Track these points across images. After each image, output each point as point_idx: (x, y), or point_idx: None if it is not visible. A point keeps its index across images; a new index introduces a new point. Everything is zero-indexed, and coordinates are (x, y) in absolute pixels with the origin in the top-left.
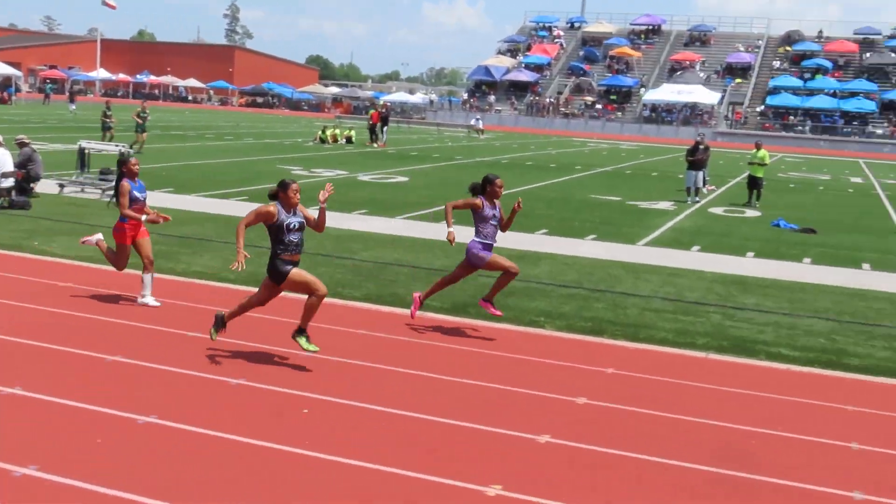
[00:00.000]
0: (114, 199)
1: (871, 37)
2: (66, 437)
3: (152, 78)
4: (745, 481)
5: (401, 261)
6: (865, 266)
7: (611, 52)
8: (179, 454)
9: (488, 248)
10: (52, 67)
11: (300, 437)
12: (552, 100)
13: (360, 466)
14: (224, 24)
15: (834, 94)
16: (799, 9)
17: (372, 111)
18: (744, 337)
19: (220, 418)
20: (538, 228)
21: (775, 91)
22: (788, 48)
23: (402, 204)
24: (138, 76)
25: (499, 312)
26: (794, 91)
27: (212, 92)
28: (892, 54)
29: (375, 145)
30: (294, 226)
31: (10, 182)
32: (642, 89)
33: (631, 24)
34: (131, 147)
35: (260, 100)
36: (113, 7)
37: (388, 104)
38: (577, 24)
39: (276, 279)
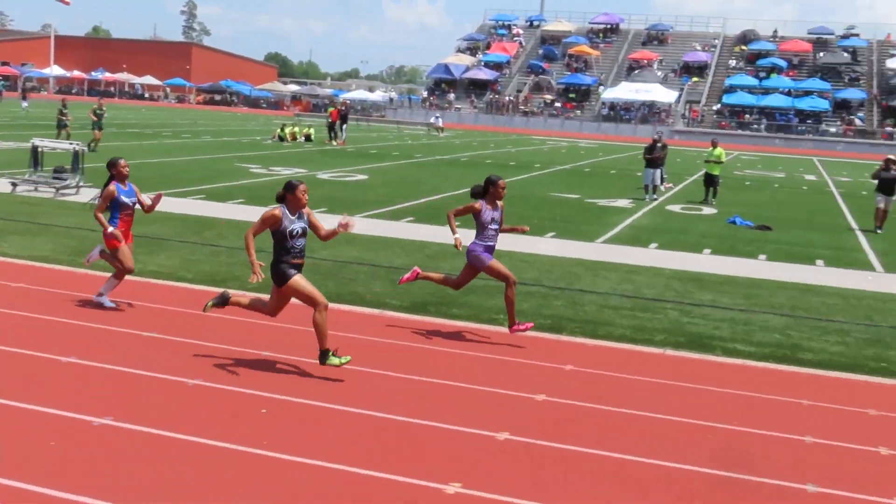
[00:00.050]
0: (95, 202)
1: (825, 37)
2: (19, 440)
3: (108, 75)
4: (702, 475)
5: (360, 259)
6: (819, 262)
7: (569, 51)
8: (136, 456)
9: (489, 250)
10: (4, 64)
11: (258, 437)
12: (511, 98)
13: (318, 466)
14: (181, 21)
15: (788, 93)
16: (754, 8)
17: (331, 109)
18: (700, 333)
19: (177, 419)
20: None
21: (731, 90)
22: (744, 47)
23: (362, 202)
24: (93, 73)
25: (529, 324)
26: (750, 90)
27: (168, 89)
28: (845, 54)
29: (335, 143)
30: (297, 232)
31: None
32: (601, 88)
33: (589, 23)
34: (89, 146)
35: (218, 97)
36: (67, 3)
37: (348, 102)
38: (536, 23)
39: (278, 282)
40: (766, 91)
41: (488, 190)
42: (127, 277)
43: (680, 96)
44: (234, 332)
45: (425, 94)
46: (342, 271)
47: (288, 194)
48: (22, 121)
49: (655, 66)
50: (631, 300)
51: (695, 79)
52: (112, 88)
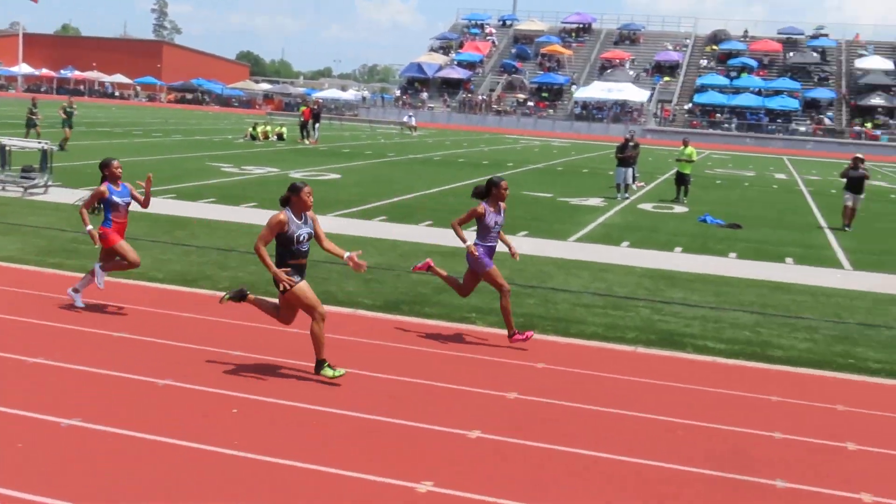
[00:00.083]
0: (97, 207)
1: (795, 37)
2: None
3: (77, 73)
4: (672, 471)
5: (333, 258)
6: (789, 260)
7: (542, 50)
8: (104, 457)
9: (490, 251)
10: None
11: (229, 437)
12: (484, 97)
13: (290, 465)
14: (152, 19)
15: (759, 93)
16: (725, 9)
17: (303, 108)
18: (671, 330)
19: (146, 419)
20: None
21: (702, 89)
22: (715, 47)
23: (334, 201)
24: (62, 71)
25: (530, 332)
26: (721, 89)
27: (139, 88)
28: (815, 54)
29: (307, 142)
30: (304, 237)
31: None
32: (573, 87)
33: (562, 23)
34: (61, 145)
35: (189, 96)
36: (35, 0)
37: (320, 101)
38: (508, 22)
39: (284, 289)
40: (737, 90)
41: (490, 191)
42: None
43: (652, 95)
44: (205, 333)
45: (398, 92)
46: (314, 270)
47: (293, 196)
48: None
49: (627, 65)
50: (603, 298)
51: (666, 78)
52: (82, 87)
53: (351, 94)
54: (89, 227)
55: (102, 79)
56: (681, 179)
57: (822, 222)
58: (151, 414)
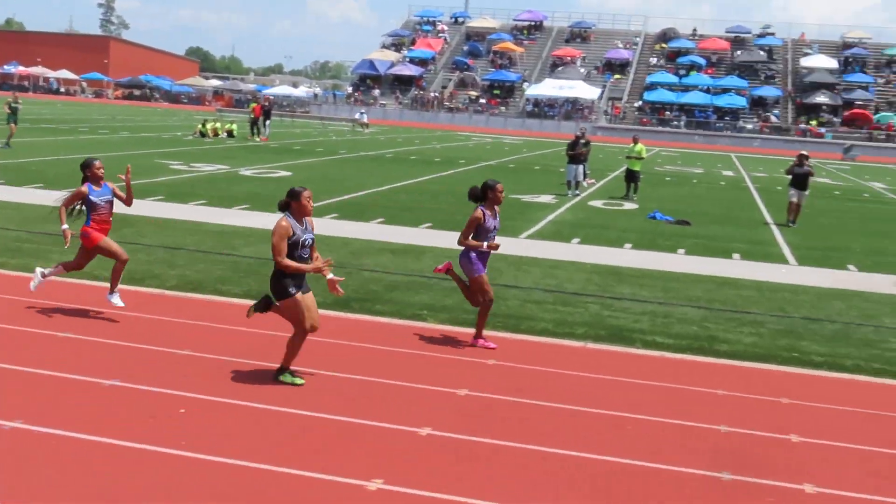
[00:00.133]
0: (77, 208)
1: (742, 35)
2: None
3: (21, 69)
4: (620, 465)
5: None
6: (735, 256)
7: (494, 47)
8: (47, 460)
9: (484, 258)
10: None
11: (177, 438)
12: (437, 94)
13: (239, 465)
14: (98, 14)
15: (707, 91)
16: (674, 7)
17: (254, 104)
18: (621, 326)
19: (92, 421)
20: (422, 222)
21: (652, 87)
22: (664, 45)
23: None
24: (5, 67)
25: (494, 346)
26: (670, 87)
27: (85, 84)
28: (761, 52)
29: (257, 139)
30: (308, 242)
31: None
32: (525, 84)
33: (514, 20)
34: (6, 141)
35: (137, 92)
36: None
37: (271, 97)
38: (460, 19)
39: (277, 295)
40: (686, 88)
41: (486, 194)
42: (45, 278)
43: (602, 93)
44: (152, 332)
45: (350, 89)
46: (264, 269)
47: (293, 202)
48: None
49: (578, 63)
50: (553, 294)
51: (617, 76)
52: (26, 83)
53: (302, 91)
54: (64, 225)
55: (47, 74)
56: (631, 176)
57: (769, 218)
58: (97, 415)
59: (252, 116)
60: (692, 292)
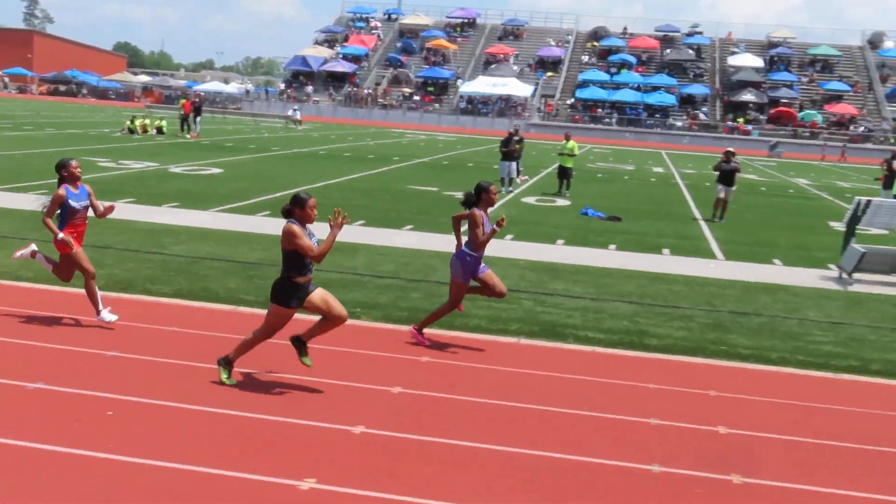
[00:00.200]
0: (45, 207)
1: (671, 34)
2: None
3: None
4: (552, 460)
5: (214, 255)
6: (665, 251)
7: (427, 45)
8: None
9: (479, 260)
10: None
11: (105, 441)
12: (370, 91)
13: (169, 468)
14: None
15: (638, 88)
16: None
17: (183, 101)
18: (553, 322)
19: (16, 425)
20: (355, 219)
21: (584, 84)
22: (595, 43)
23: (216, 196)
24: None
25: (427, 342)
26: (602, 85)
27: (7, 79)
28: (690, 51)
29: (188, 136)
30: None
31: None
32: (459, 81)
33: (447, 17)
34: None
35: (63, 88)
36: None
37: (201, 94)
38: (394, 16)
39: (275, 297)
40: (617, 86)
41: (480, 197)
42: (32, 257)
43: (535, 90)
44: (78, 334)
45: (282, 86)
46: (194, 267)
47: (297, 209)
48: None
49: (511, 60)
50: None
51: (549, 73)
52: None
53: (234, 87)
54: (60, 234)
55: None
56: (563, 173)
57: (697, 214)
58: (21, 419)
59: (182, 113)
60: (624, 288)
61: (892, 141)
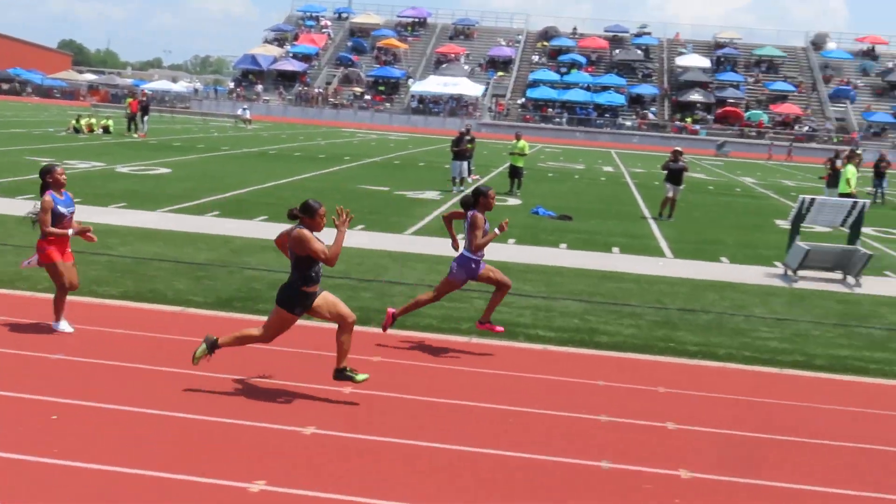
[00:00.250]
0: (35, 218)
1: (620, 35)
2: None
3: None
4: (504, 458)
5: (162, 255)
6: (615, 250)
7: (378, 44)
8: None
9: (479, 262)
10: None
11: (49, 445)
12: (321, 90)
13: (116, 472)
14: None
15: (588, 88)
16: (555, 6)
17: (130, 99)
18: (505, 320)
19: None
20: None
21: (535, 84)
22: (546, 43)
23: (164, 196)
24: None
25: (389, 320)
26: (552, 84)
27: None
28: (639, 51)
29: (135, 136)
30: None
31: None
32: (410, 81)
33: (398, 17)
34: None
35: (6, 86)
36: None
37: (148, 92)
38: (344, 15)
39: (283, 305)
40: (567, 86)
41: (479, 200)
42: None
43: (486, 90)
44: (20, 336)
45: (232, 85)
46: (142, 268)
47: (306, 217)
48: None
49: (462, 60)
50: None
51: (500, 73)
52: None
53: (182, 86)
54: (70, 231)
55: None
56: (514, 172)
57: (647, 213)
58: None
59: (129, 112)
60: (574, 286)
61: (836, 140)
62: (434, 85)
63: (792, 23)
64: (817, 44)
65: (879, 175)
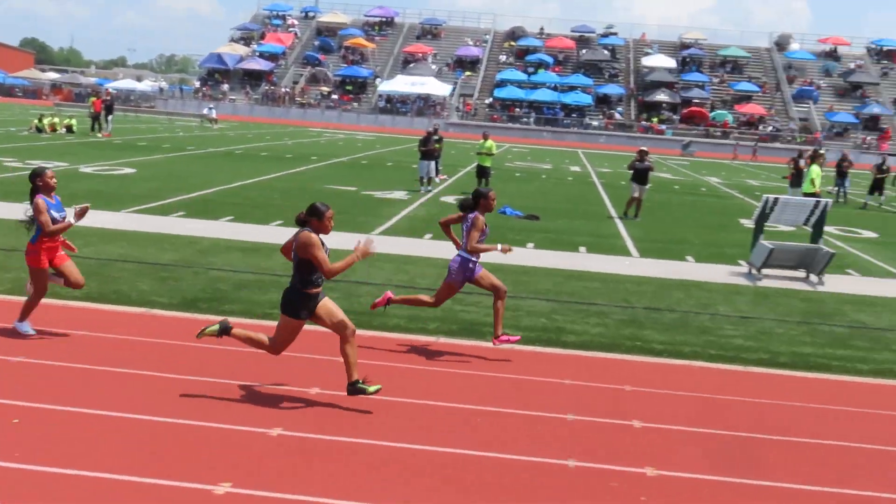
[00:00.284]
0: (29, 222)
1: (587, 35)
2: None
3: None
4: (472, 458)
5: (126, 256)
6: (582, 249)
7: (345, 43)
8: None
9: (477, 266)
10: None
11: (10, 450)
12: (288, 89)
13: (79, 476)
14: None
15: (555, 88)
16: (522, 6)
17: (93, 98)
18: (472, 320)
19: None
20: (273, 220)
21: (502, 84)
22: (513, 43)
23: (128, 197)
24: None
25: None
26: (520, 84)
27: None
28: (605, 52)
29: (99, 135)
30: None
31: None
32: (377, 80)
33: (365, 16)
34: None
35: None
36: None
37: (112, 91)
38: (311, 14)
39: (284, 307)
40: (535, 86)
41: (479, 202)
42: None
43: (454, 90)
44: None
45: (198, 84)
46: (105, 269)
47: (314, 220)
48: None
49: (430, 59)
50: (405, 290)
51: (468, 73)
52: None
53: (147, 85)
54: (70, 219)
55: None
56: (482, 172)
57: (613, 213)
58: None
59: (92, 111)
60: (541, 285)
61: (800, 140)
62: (402, 84)
63: (755, 24)
64: (781, 44)
65: (841, 174)
